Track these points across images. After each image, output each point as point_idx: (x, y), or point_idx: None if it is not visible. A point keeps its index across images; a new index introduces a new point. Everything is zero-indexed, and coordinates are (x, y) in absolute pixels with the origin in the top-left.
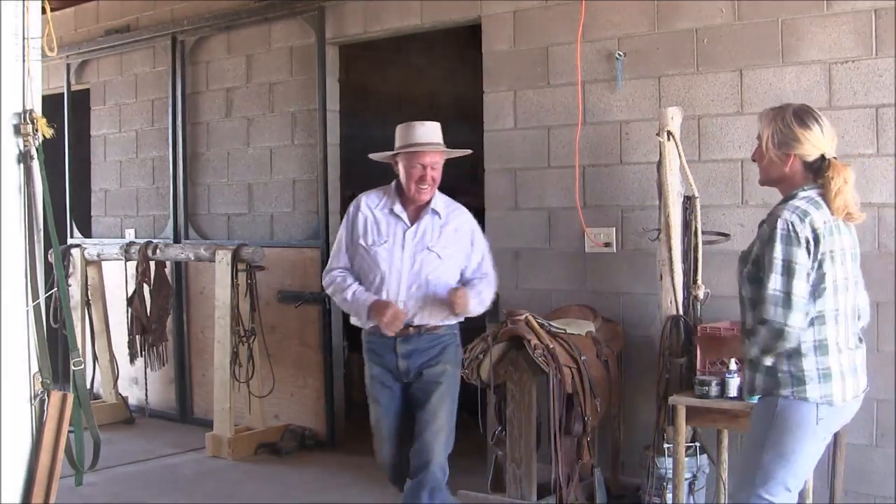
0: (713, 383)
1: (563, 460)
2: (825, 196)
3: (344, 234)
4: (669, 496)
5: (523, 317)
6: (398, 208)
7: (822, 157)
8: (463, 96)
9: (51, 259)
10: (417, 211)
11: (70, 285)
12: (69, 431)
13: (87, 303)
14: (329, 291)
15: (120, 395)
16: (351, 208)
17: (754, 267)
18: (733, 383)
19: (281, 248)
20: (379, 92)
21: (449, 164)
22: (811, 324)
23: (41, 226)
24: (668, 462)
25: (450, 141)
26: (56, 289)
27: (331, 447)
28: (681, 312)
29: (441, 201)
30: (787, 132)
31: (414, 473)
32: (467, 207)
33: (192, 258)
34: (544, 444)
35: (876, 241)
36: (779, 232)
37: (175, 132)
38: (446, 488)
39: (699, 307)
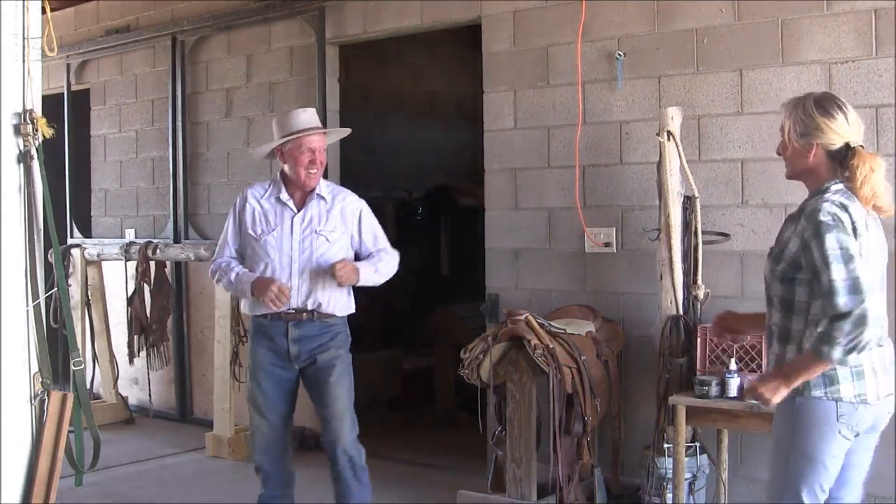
0: (713, 383)
1: (563, 460)
2: (852, 188)
3: (230, 227)
4: (669, 496)
5: (523, 317)
6: (284, 195)
7: (847, 146)
8: (463, 96)
9: (51, 259)
10: (303, 197)
11: (70, 285)
12: (69, 431)
13: (87, 303)
14: (215, 279)
15: (120, 395)
16: (237, 201)
17: (790, 266)
18: (733, 383)
19: None
20: (379, 92)
21: (448, 164)
22: None
23: (41, 226)
24: (668, 462)
25: (451, 141)
26: (56, 289)
27: None
28: (681, 312)
29: (325, 186)
30: (809, 121)
31: (330, 459)
32: (467, 208)
33: (192, 258)
34: (544, 444)
35: None
36: (825, 223)
37: (175, 132)
38: (365, 465)
39: (699, 307)
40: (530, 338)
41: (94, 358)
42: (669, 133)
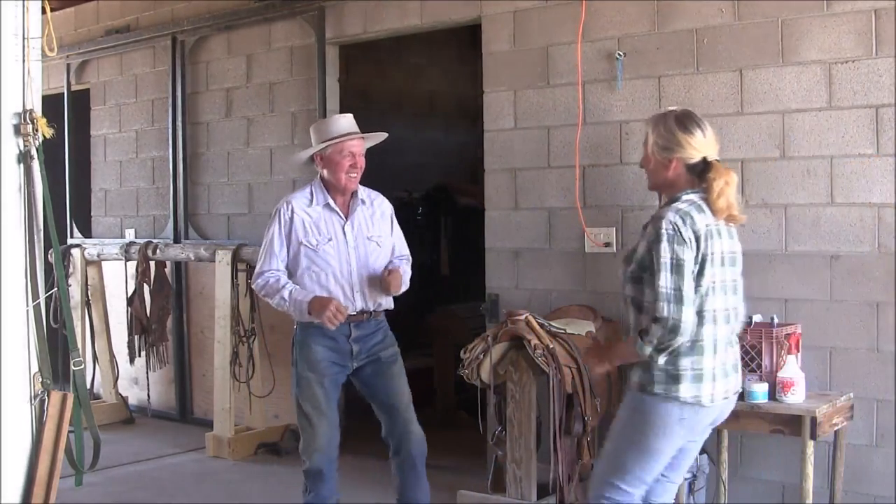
0: None
1: (563, 460)
2: (707, 199)
3: (276, 237)
4: None
5: (523, 317)
6: (332, 202)
7: (704, 161)
8: (463, 96)
9: (51, 259)
10: (346, 203)
11: (70, 285)
12: (69, 431)
13: (87, 303)
14: (262, 294)
15: (120, 395)
16: (282, 211)
17: (638, 267)
18: None
19: None
20: (379, 92)
21: (448, 164)
22: None
23: (41, 226)
24: None
25: (451, 141)
26: (56, 289)
27: None
28: None
29: (362, 190)
30: (670, 136)
31: (400, 451)
32: (467, 207)
33: (192, 258)
34: (544, 444)
35: (876, 241)
36: (665, 232)
37: (175, 132)
38: None
39: None
40: (530, 338)
41: (94, 358)
42: None
